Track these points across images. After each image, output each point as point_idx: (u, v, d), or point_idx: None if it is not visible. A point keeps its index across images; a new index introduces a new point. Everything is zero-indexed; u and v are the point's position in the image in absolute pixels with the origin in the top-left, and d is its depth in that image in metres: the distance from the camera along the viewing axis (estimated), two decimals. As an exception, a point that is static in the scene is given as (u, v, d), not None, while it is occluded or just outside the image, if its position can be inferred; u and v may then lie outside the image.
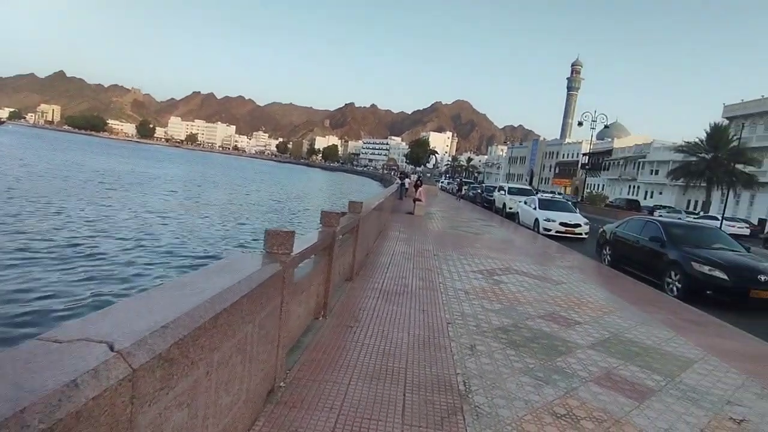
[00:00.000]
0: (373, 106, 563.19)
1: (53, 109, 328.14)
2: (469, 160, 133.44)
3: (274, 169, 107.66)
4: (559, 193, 52.22)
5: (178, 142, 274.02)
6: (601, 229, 12.15)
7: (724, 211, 32.92)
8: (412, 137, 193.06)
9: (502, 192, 25.32)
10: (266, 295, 2.49)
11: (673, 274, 8.61)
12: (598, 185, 67.69)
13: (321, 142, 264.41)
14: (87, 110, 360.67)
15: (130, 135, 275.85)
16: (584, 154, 66.28)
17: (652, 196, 56.04)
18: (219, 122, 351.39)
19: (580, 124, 43.58)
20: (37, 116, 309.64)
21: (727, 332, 5.95)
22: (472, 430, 2.83)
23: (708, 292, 7.90)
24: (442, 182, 64.44)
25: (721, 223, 27.01)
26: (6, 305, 6.96)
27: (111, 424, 1.17)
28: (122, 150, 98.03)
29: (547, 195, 30.66)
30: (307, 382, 3.21)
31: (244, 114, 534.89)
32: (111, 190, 24.90)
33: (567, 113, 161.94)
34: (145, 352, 1.32)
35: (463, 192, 38.18)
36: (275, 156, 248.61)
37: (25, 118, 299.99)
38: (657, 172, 55.75)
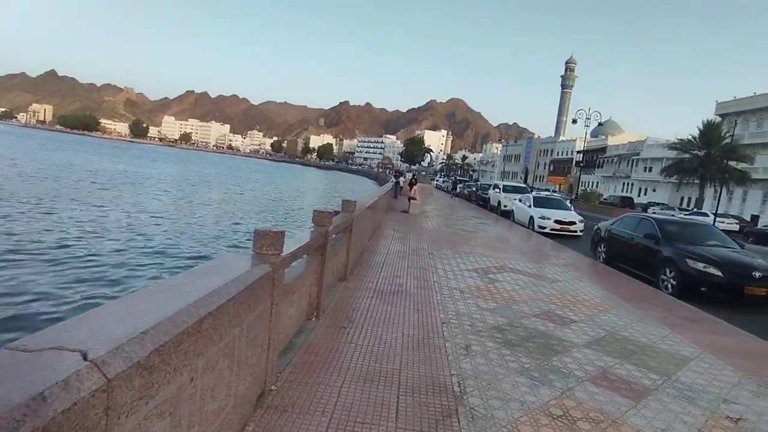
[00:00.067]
0: (367, 104, 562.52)
1: (45, 109, 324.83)
2: (464, 158, 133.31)
3: (268, 168, 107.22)
4: (554, 191, 52.37)
5: (172, 142, 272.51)
6: (596, 227, 12.17)
7: (717, 207, 33.15)
8: (407, 135, 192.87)
9: (497, 190, 25.23)
10: (255, 297, 2.42)
11: (667, 271, 8.62)
12: (593, 183, 68.05)
13: (316, 141, 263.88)
14: (79, 110, 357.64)
15: (123, 134, 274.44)
16: (578, 152, 66.44)
17: (645, 193, 56.40)
18: (213, 121, 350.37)
19: (574, 121, 43.60)
20: (28, 116, 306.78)
21: (722, 329, 5.95)
22: (467, 432, 2.78)
23: (702, 288, 7.92)
24: (437, 180, 64.44)
25: (714, 220, 27.20)
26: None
27: None
28: (115, 150, 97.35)
29: (543, 192, 30.67)
30: (298, 385, 3.15)
31: (238, 113, 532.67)
32: (103, 191, 24.67)
33: (561, 111, 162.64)
34: (121, 360, 1.26)
35: (458, 190, 38.24)
36: (270, 155, 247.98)
37: (16, 118, 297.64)
38: (650, 170, 56.07)
